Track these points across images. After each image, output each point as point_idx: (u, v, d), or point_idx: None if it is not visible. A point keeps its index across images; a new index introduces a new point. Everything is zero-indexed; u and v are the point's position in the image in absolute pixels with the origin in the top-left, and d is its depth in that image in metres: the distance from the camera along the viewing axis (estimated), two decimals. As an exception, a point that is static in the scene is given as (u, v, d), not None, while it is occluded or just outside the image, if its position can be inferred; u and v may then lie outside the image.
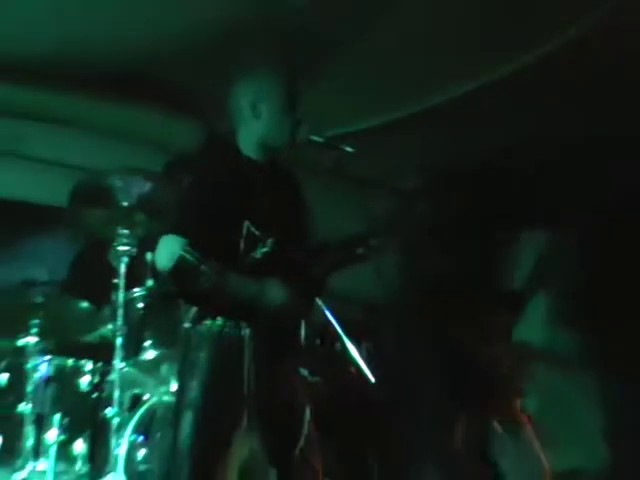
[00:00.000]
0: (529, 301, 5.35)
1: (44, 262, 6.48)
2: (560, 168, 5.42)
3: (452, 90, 5.84)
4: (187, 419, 4.31)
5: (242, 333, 4.33)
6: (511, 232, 5.33)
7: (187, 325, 4.45)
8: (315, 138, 4.32)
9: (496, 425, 5.20)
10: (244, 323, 4.33)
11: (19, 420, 5.65)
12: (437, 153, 5.90)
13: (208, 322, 4.36)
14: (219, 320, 4.34)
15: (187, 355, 4.45)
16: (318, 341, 4.81)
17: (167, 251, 3.90)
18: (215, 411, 4.30)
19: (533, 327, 5.66)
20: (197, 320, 4.41)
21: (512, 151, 5.30)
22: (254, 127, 4.32)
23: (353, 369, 4.74)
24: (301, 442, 4.33)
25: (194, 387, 4.34)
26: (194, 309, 4.42)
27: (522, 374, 5.57)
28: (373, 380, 4.66)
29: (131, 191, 5.26)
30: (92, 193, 5.38)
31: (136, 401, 5.77)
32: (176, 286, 4.18)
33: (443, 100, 5.84)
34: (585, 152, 5.78)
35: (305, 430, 4.38)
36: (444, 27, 5.37)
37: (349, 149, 4.32)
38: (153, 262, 4.18)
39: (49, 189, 6.10)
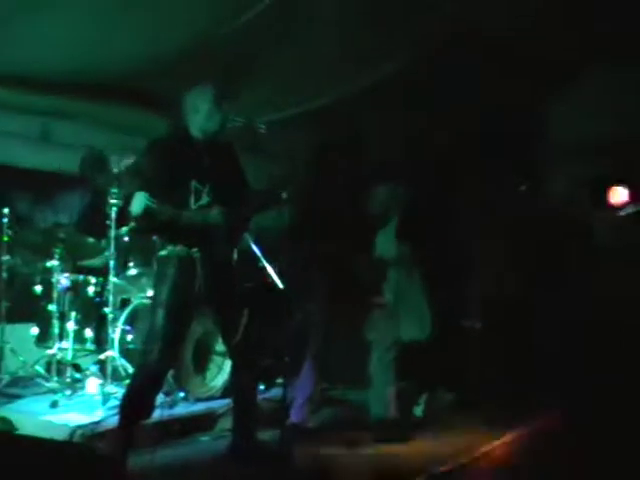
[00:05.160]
0: (382, 228, 5.44)
1: (66, 210, 6.37)
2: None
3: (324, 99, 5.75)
4: (159, 314, 4.49)
5: (194, 255, 4.49)
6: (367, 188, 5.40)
7: (160, 252, 4.56)
8: (241, 121, 4.27)
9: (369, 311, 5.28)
10: (194, 248, 4.48)
11: (49, 316, 5.95)
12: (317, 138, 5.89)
13: (170, 247, 4.46)
14: (178, 247, 4.46)
15: (159, 271, 4.62)
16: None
17: (138, 203, 3.95)
18: (177, 308, 4.50)
19: (387, 244, 5.68)
20: (163, 246, 4.56)
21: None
22: (196, 119, 4.44)
23: (269, 279, 4.72)
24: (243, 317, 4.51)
25: (163, 292, 4.51)
26: (161, 239, 4.61)
27: (380, 277, 5.61)
28: (281, 285, 4.64)
29: (120, 162, 5.09)
30: (94, 163, 5.22)
31: (125, 303, 6.24)
32: (144, 225, 4.08)
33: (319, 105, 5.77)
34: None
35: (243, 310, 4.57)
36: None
37: (262, 128, 4.24)
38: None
39: (68, 162, 5.94)
